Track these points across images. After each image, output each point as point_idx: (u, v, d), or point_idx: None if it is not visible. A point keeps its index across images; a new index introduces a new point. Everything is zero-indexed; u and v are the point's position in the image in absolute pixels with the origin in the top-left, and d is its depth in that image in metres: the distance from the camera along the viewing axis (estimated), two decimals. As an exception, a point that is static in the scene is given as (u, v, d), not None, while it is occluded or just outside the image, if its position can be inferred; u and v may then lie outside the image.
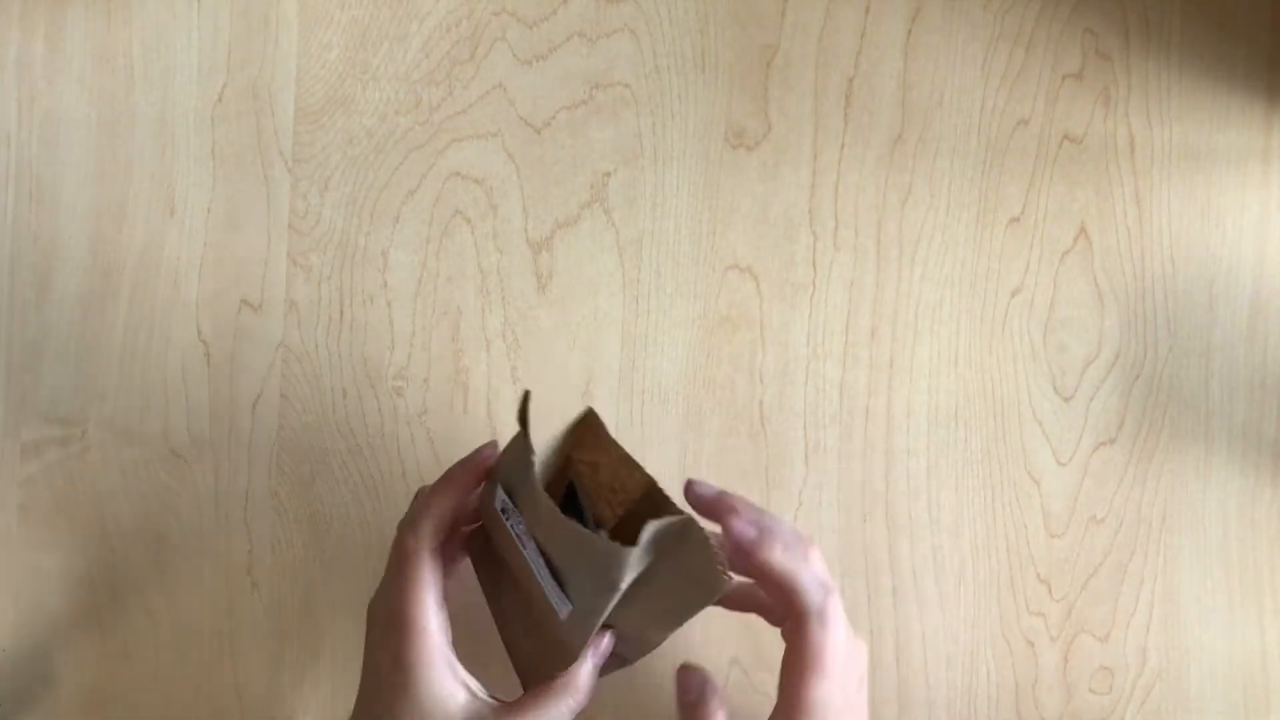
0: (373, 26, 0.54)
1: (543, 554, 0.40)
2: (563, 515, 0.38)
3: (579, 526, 0.38)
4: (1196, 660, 0.52)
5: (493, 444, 0.45)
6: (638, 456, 0.53)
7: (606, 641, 0.44)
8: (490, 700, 0.42)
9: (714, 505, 0.44)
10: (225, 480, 0.53)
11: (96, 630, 0.53)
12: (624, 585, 0.38)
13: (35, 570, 0.53)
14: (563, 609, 0.40)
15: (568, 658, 0.41)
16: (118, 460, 0.53)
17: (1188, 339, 0.53)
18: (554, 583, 0.40)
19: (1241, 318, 0.53)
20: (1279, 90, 0.53)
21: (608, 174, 0.53)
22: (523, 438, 0.40)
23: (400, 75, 0.53)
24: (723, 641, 0.52)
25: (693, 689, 0.45)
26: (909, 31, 0.53)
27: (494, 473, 0.44)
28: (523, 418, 0.40)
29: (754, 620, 0.52)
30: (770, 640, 0.52)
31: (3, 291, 0.53)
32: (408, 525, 0.43)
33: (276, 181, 0.53)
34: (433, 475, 0.53)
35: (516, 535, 0.41)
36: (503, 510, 0.41)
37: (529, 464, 0.39)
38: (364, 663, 0.43)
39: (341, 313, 0.53)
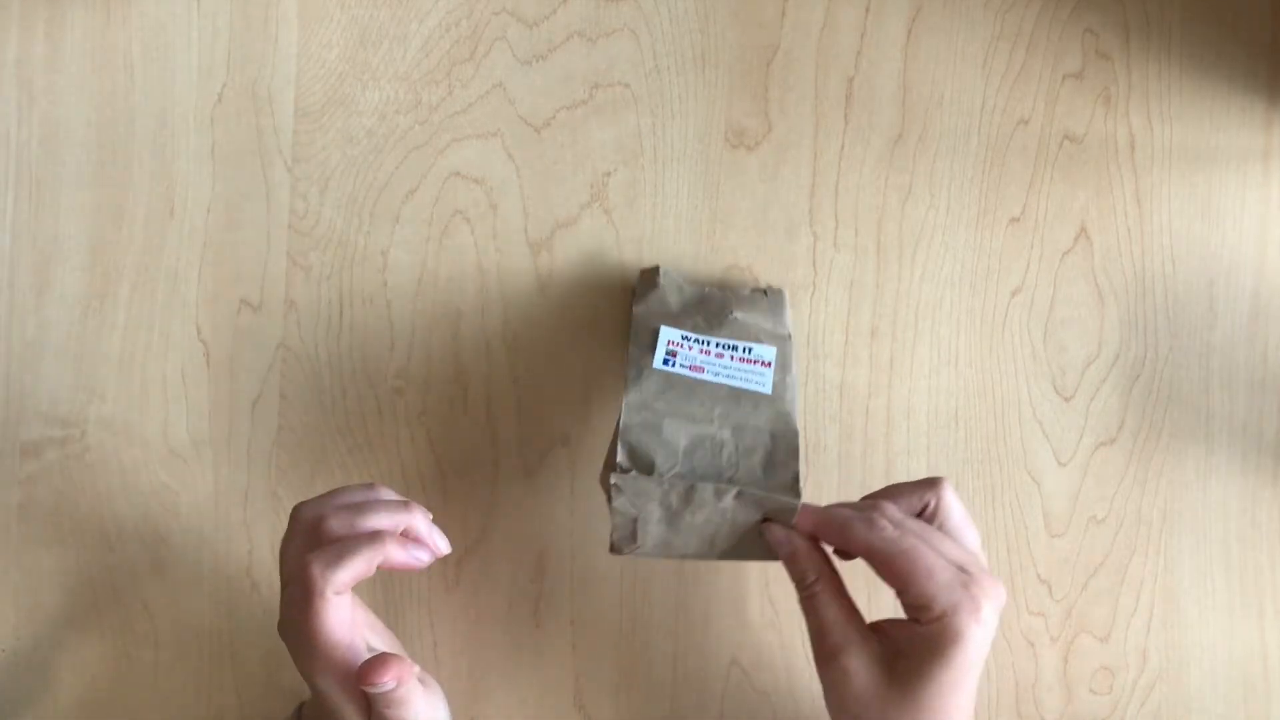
0: (373, 26, 0.54)
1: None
2: None
3: None
4: (1196, 660, 0.52)
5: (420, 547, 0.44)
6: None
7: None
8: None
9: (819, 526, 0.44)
10: (225, 480, 0.53)
11: (96, 630, 0.53)
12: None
13: (35, 570, 0.53)
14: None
15: None
16: (118, 460, 0.53)
17: (1188, 339, 0.53)
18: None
19: (1241, 318, 0.53)
20: (1279, 90, 0.53)
21: (608, 174, 0.53)
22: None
23: (400, 75, 0.53)
24: (723, 641, 0.52)
25: (782, 544, 0.44)
26: (909, 31, 0.53)
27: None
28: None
29: (754, 620, 0.52)
30: (771, 640, 0.52)
31: (3, 291, 0.53)
32: (323, 563, 0.41)
33: (276, 181, 0.53)
34: (433, 475, 0.53)
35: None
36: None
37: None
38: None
39: (341, 313, 0.53)
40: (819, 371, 0.53)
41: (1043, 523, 0.53)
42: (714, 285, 0.52)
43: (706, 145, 0.53)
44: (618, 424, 0.45)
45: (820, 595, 0.43)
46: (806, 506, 0.44)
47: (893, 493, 0.45)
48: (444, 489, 0.53)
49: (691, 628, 0.52)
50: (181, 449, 0.53)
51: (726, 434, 0.45)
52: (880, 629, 0.43)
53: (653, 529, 0.44)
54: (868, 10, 0.53)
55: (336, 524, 0.43)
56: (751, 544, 0.44)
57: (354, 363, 0.53)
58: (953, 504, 0.44)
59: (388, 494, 0.45)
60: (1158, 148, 0.53)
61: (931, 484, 0.44)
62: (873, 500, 0.44)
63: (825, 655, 0.43)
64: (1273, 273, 0.53)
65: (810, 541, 0.44)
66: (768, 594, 0.52)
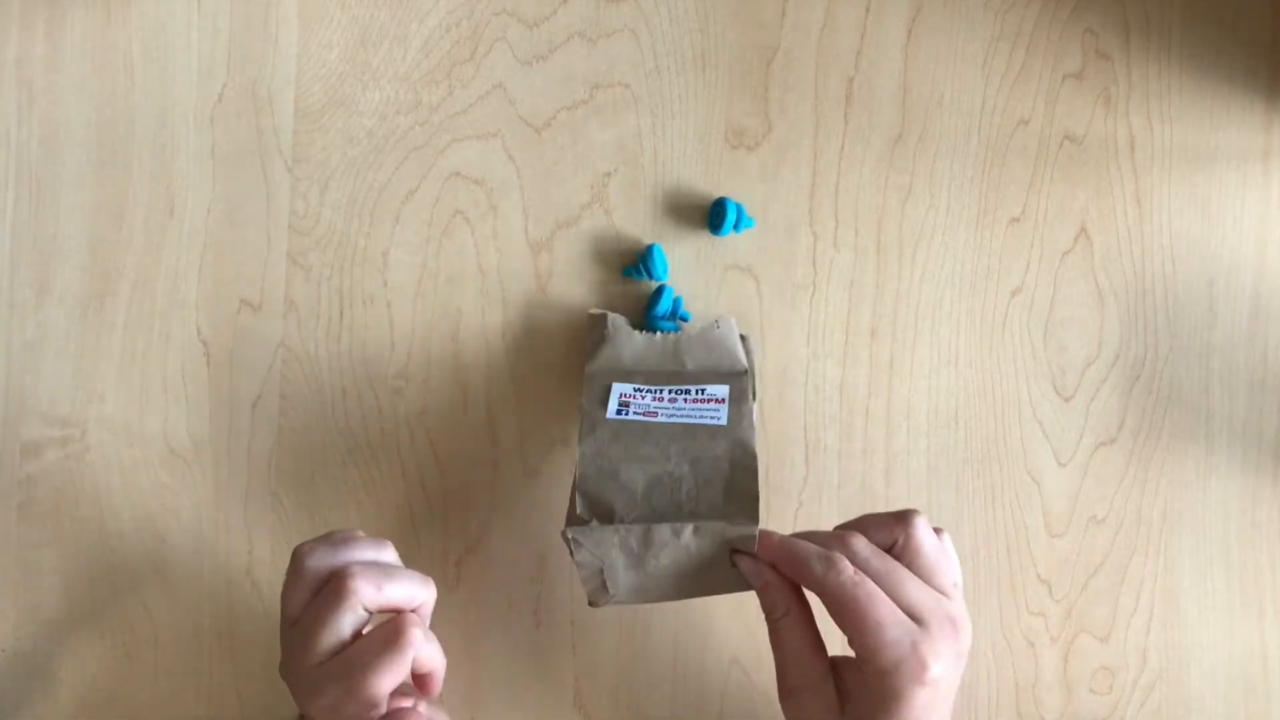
0: (373, 26, 0.54)
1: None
2: None
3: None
4: (1196, 660, 0.52)
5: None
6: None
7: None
8: None
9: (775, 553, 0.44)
10: (225, 480, 0.53)
11: (96, 630, 0.53)
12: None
13: (35, 570, 0.53)
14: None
15: None
16: (118, 460, 0.53)
17: (1188, 339, 0.53)
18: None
19: (1241, 318, 0.53)
20: (1279, 90, 0.53)
21: (608, 174, 0.53)
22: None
23: (400, 75, 0.53)
24: (723, 641, 0.52)
25: (754, 576, 0.44)
26: (909, 31, 0.53)
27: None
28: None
29: (754, 620, 0.52)
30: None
31: (3, 291, 0.53)
32: (377, 670, 0.40)
33: (276, 181, 0.53)
34: (433, 475, 0.53)
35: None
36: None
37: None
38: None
39: (341, 313, 0.53)
40: (819, 371, 0.53)
41: (1043, 523, 0.53)
42: (661, 331, 0.51)
43: (706, 145, 0.53)
44: (574, 478, 0.45)
45: (787, 630, 0.43)
46: (768, 535, 0.43)
47: (865, 524, 0.44)
48: (444, 489, 0.53)
49: (691, 628, 0.52)
50: (181, 449, 0.53)
51: (684, 468, 0.45)
52: (838, 668, 0.43)
53: (622, 576, 0.44)
54: (868, 10, 0.53)
55: (364, 588, 0.41)
56: (724, 576, 0.44)
57: (354, 363, 0.53)
58: (923, 540, 0.43)
59: (390, 552, 0.44)
60: (1158, 148, 0.53)
61: (901, 519, 0.43)
62: (844, 531, 0.43)
63: (786, 691, 0.43)
64: (1273, 273, 0.53)
65: (780, 574, 0.43)
66: (768, 594, 0.52)
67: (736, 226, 0.52)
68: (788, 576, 0.43)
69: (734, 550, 0.43)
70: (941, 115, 0.53)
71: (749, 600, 0.52)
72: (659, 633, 0.52)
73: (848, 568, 0.41)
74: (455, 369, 0.53)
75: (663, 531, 0.43)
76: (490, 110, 0.53)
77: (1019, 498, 0.53)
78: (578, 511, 0.44)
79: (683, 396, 0.48)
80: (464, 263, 0.53)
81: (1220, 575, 0.53)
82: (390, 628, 0.41)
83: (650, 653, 0.52)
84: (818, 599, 0.42)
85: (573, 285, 0.53)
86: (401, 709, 0.41)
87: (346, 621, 0.41)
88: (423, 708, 0.42)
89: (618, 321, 0.51)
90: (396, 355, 0.53)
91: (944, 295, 0.53)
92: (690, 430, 0.46)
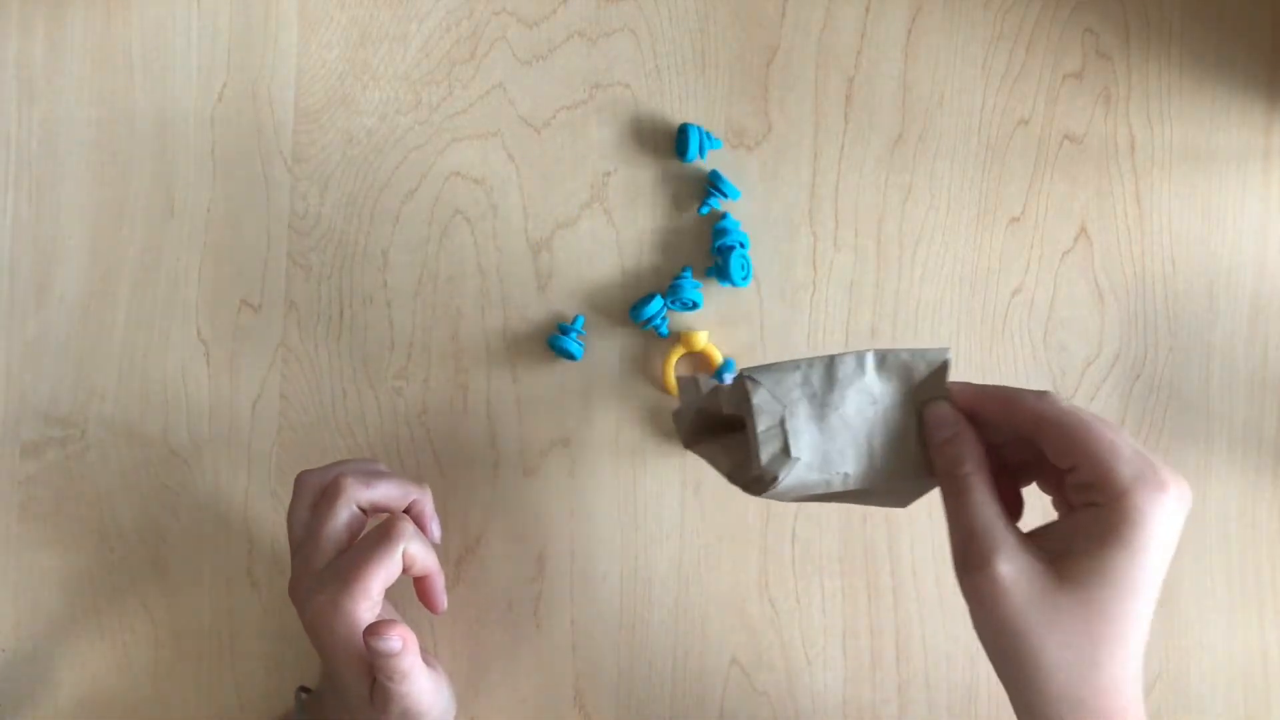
0: (373, 26, 0.54)
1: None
2: None
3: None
4: (1196, 660, 0.52)
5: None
6: (637, 456, 0.53)
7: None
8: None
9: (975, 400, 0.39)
10: (225, 480, 0.53)
11: (96, 630, 0.53)
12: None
13: (35, 570, 0.53)
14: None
15: None
16: (118, 460, 0.53)
17: (1188, 339, 0.53)
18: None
19: (1241, 318, 0.53)
20: (1279, 90, 0.53)
21: (608, 174, 0.53)
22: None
23: (400, 75, 0.53)
24: (723, 641, 0.52)
25: (946, 425, 0.38)
26: (909, 31, 0.53)
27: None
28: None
29: (754, 620, 0.52)
30: (771, 640, 0.52)
31: (3, 291, 0.53)
32: (372, 563, 0.42)
33: (276, 181, 0.53)
34: (433, 475, 0.53)
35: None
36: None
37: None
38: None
39: (341, 313, 0.53)
40: (819, 371, 0.53)
41: (1043, 523, 0.53)
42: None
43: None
44: (691, 410, 0.44)
45: (974, 488, 0.37)
46: (958, 384, 0.38)
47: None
48: (444, 489, 0.53)
49: (691, 628, 0.52)
50: (181, 449, 0.53)
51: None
52: (1034, 536, 0.37)
53: (804, 431, 0.37)
54: (868, 10, 0.53)
55: (355, 485, 0.44)
56: (906, 453, 0.38)
57: (354, 363, 0.53)
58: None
59: (382, 466, 0.47)
60: (1158, 148, 0.53)
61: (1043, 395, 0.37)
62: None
63: (975, 561, 0.36)
64: (1273, 273, 0.53)
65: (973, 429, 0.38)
66: (768, 594, 0.52)
67: (702, 151, 0.52)
68: (992, 417, 0.38)
69: (923, 402, 0.38)
70: (941, 115, 0.53)
71: (749, 600, 0.52)
72: (659, 633, 0.52)
73: (1061, 398, 0.36)
74: (455, 369, 0.53)
75: (847, 363, 0.37)
76: (490, 110, 0.53)
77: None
78: (745, 377, 0.38)
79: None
80: (464, 263, 0.53)
81: (1220, 575, 0.53)
82: (381, 525, 0.44)
83: (650, 653, 0.52)
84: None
85: (573, 285, 0.53)
86: (384, 622, 0.41)
87: (341, 518, 0.44)
88: (411, 641, 0.42)
89: (706, 382, 0.46)
90: (396, 355, 0.53)
91: (944, 295, 0.53)
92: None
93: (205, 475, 0.53)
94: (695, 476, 0.53)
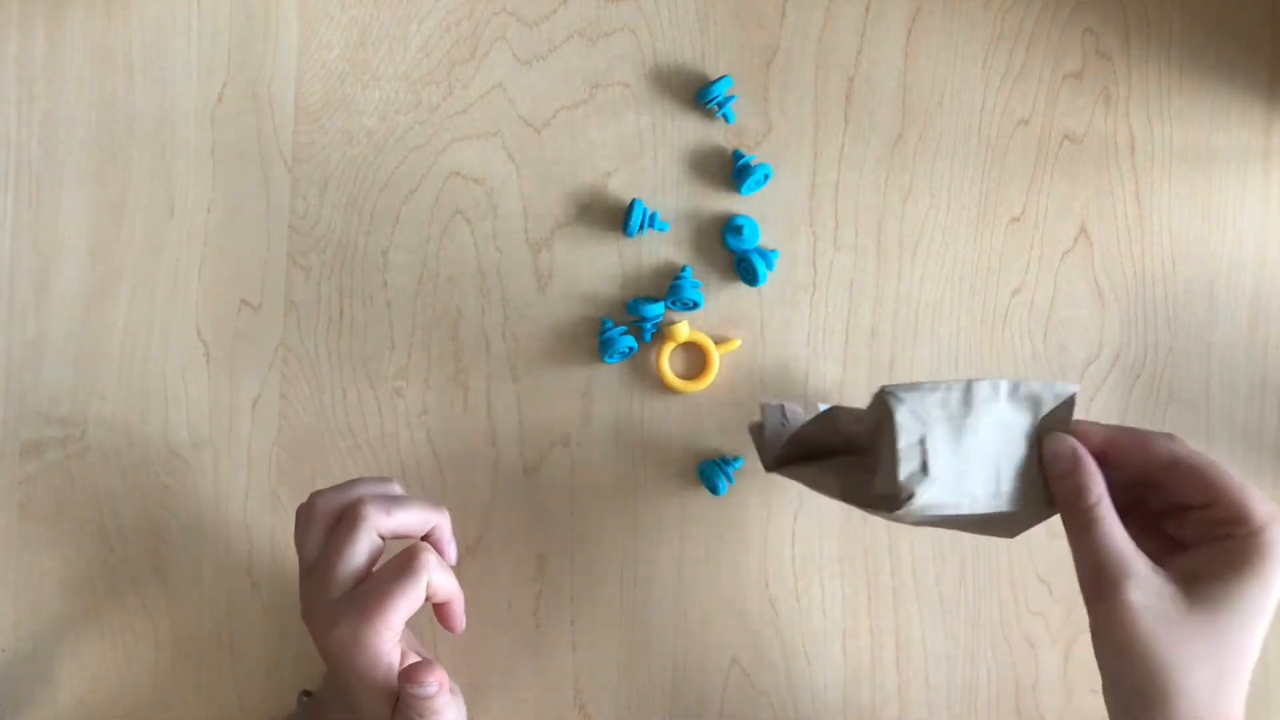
0: (373, 26, 0.54)
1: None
2: None
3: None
4: (1196, 660, 0.52)
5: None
6: (636, 453, 0.53)
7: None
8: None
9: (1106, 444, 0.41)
10: (225, 480, 0.53)
11: (96, 630, 0.53)
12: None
13: (35, 570, 0.53)
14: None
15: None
16: (118, 460, 0.53)
17: (1188, 339, 0.53)
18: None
19: (1241, 318, 0.53)
20: (1279, 90, 0.53)
21: (608, 174, 0.53)
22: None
23: (400, 75, 0.53)
24: (723, 641, 0.52)
25: (1065, 458, 0.40)
26: (909, 31, 0.53)
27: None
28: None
29: (754, 620, 0.52)
30: (771, 640, 0.52)
31: (3, 291, 0.53)
32: (397, 589, 0.42)
33: (276, 181, 0.53)
34: (433, 475, 0.53)
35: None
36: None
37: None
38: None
39: (341, 313, 0.53)
40: (819, 371, 0.53)
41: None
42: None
43: (706, 145, 0.53)
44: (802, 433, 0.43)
45: (1102, 520, 0.38)
46: (1088, 423, 0.40)
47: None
48: (444, 489, 0.53)
49: (691, 628, 0.52)
50: (181, 449, 0.53)
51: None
52: (1162, 562, 0.38)
53: (943, 452, 0.38)
54: (868, 10, 0.53)
55: (376, 514, 0.43)
56: (1032, 486, 0.40)
57: (354, 363, 0.53)
58: None
59: (396, 486, 0.46)
60: (1158, 148, 0.53)
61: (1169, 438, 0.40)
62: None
63: (1107, 587, 0.38)
64: (1273, 273, 0.53)
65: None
66: (768, 594, 0.52)
67: (642, 228, 0.52)
68: (1125, 456, 0.40)
69: (1046, 432, 0.40)
70: (941, 115, 0.53)
71: (749, 600, 0.52)
72: (659, 633, 0.52)
73: (1187, 444, 0.39)
74: (455, 369, 0.53)
75: (982, 388, 0.39)
76: (490, 110, 0.53)
77: (1019, 498, 0.53)
78: (887, 393, 0.39)
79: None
80: (464, 263, 0.53)
81: (1220, 575, 0.53)
82: (403, 555, 0.43)
83: (650, 653, 0.52)
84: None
85: (573, 285, 0.53)
86: (420, 666, 0.41)
87: (362, 548, 0.42)
88: (444, 680, 0.42)
89: (796, 412, 0.46)
90: (396, 355, 0.53)
91: (944, 295, 0.53)
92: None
93: (205, 475, 0.53)
94: (695, 477, 0.53)
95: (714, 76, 0.53)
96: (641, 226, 0.52)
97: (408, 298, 0.53)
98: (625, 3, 0.53)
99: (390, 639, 0.42)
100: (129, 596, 0.53)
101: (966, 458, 0.39)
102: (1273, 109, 0.53)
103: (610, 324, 0.52)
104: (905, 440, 0.38)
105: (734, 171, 0.52)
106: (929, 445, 0.38)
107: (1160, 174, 0.53)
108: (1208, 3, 0.54)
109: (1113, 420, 0.53)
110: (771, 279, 0.53)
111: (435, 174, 0.53)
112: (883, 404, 0.39)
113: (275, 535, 0.53)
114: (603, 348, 0.51)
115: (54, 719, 0.53)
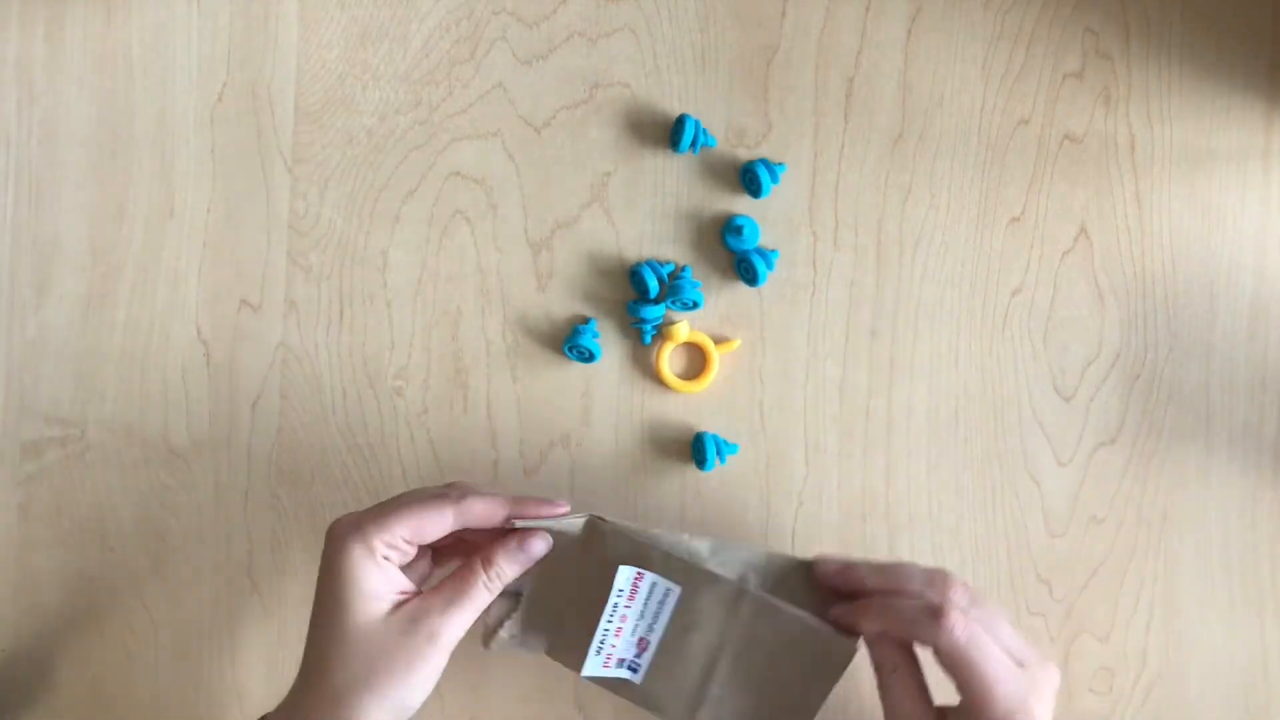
0: (373, 26, 0.54)
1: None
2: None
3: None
4: (1196, 661, 0.52)
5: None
6: (636, 454, 0.53)
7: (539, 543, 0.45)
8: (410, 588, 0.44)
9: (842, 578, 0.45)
10: (225, 480, 0.53)
11: (96, 630, 0.53)
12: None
13: (35, 570, 0.53)
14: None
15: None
16: (118, 460, 0.53)
17: (1188, 339, 0.53)
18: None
19: (1241, 318, 0.53)
20: (1279, 90, 0.53)
21: (608, 174, 0.53)
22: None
23: (400, 75, 0.53)
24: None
25: (887, 660, 0.44)
26: (909, 31, 0.53)
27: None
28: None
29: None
30: (770, 640, 0.52)
31: (3, 291, 0.53)
32: (457, 613, 0.44)
33: (276, 181, 0.54)
34: (433, 475, 0.53)
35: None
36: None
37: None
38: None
39: (341, 313, 0.53)
40: (819, 371, 0.53)
41: (1043, 523, 0.53)
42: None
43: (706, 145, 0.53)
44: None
45: (900, 685, 0.43)
46: (865, 604, 0.43)
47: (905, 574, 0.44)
48: (444, 489, 0.53)
49: (691, 628, 0.52)
50: (181, 449, 0.53)
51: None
52: (945, 717, 0.43)
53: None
54: (868, 10, 0.53)
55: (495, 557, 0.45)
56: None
57: (354, 363, 0.53)
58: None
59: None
60: (1158, 148, 0.53)
61: (941, 577, 0.43)
62: (936, 571, 0.44)
63: None
64: (1273, 273, 0.53)
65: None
66: (768, 594, 0.52)
67: (695, 146, 0.52)
68: (900, 637, 0.43)
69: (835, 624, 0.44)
70: (941, 115, 0.53)
71: (749, 600, 0.52)
72: (659, 633, 0.52)
73: (958, 621, 0.41)
74: (455, 369, 0.53)
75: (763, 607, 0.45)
76: (490, 110, 0.53)
77: (1019, 498, 0.53)
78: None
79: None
80: (464, 263, 0.53)
81: (1220, 575, 0.53)
82: (440, 487, 0.45)
83: (650, 653, 0.52)
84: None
85: (573, 285, 0.53)
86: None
87: (431, 525, 0.43)
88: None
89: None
90: (396, 355, 0.53)
91: (944, 295, 0.53)
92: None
93: (205, 475, 0.53)
94: (695, 476, 0.53)
95: (714, 76, 0.53)
96: (695, 143, 0.52)
97: (408, 298, 0.53)
98: (625, 3, 0.53)
99: (384, 544, 0.43)
100: (129, 596, 0.53)
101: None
102: (1273, 109, 0.53)
103: (593, 326, 0.52)
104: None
105: (742, 178, 0.52)
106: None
107: (1160, 174, 0.53)
108: (1208, 3, 0.54)
109: (1113, 420, 0.53)
110: (771, 279, 0.53)
111: (435, 174, 0.53)
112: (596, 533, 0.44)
113: (275, 535, 0.53)
114: (565, 341, 0.52)
115: (54, 719, 0.53)
